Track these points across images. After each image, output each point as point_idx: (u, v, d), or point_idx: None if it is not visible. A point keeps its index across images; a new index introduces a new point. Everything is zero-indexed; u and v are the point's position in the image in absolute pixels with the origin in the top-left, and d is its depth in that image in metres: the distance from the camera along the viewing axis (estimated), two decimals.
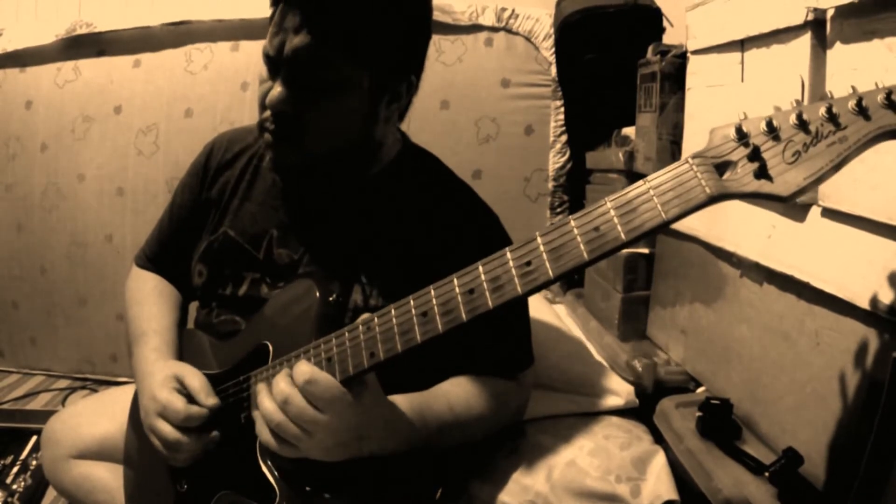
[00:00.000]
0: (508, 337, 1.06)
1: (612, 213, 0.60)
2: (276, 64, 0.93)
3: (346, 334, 0.78)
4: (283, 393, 0.78)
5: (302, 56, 0.90)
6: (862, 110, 0.55)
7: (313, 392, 0.77)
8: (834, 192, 0.91)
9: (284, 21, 0.90)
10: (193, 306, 1.21)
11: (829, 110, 0.56)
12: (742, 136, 0.58)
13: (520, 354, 1.08)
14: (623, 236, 0.59)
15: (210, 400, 0.94)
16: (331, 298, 0.92)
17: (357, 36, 0.90)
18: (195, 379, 0.96)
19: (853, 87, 0.57)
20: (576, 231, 0.61)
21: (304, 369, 0.78)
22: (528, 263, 0.64)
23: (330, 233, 1.05)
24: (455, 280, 0.68)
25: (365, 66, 0.93)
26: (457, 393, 0.99)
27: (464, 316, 0.67)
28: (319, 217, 1.07)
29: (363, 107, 0.97)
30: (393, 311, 0.73)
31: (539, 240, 0.64)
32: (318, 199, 1.08)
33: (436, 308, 0.69)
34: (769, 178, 0.57)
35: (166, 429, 0.93)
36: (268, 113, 0.95)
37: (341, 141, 0.99)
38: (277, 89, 0.93)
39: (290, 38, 0.90)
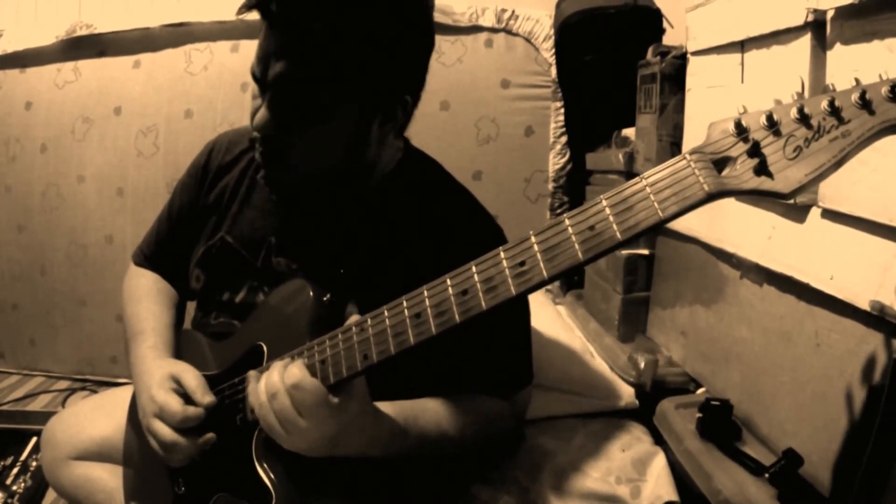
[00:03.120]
0: (507, 354, 1.03)
1: (608, 211, 0.59)
2: (261, 86, 0.92)
3: (340, 336, 0.78)
4: (274, 387, 0.78)
5: (285, 83, 0.87)
6: (866, 104, 0.53)
7: (297, 397, 0.77)
8: (834, 193, 0.91)
9: (268, 44, 0.87)
10: (191, 305, 1.21)
11: (831, 104, 0.54)
12: (741, 131, 0.57)
13: (517, 374, 1.05)
14: (619, 235, 0.58)
15: (206, 398, 0.93)
16: (324, 299, 0.91)
17: (342, 63, 0.86)
18: (192, 377, 0.96)
19: (856, 80, 0.55)
20: (570, 230, 0.60)
21: (295, 372, 0.77)
22: (522, 263, 0.63)
23: (328, 242, 1.04)
24: (448, 281, 0.68)
25: (352, 94, 0.90)
26: (447, 409, 0.96)
27: (457, 317, 0.66)
28: (317, 226, 1.06)
29: (351, 132, 0.94)
30: (386, 313, 0.73)
31: (533, 239, 0.63)
32: (315, 209, 1.07)
33: (429, 309, 0.68)
34: (769, 175, 0.55)
35: (163, 430, 0.93)
36: (257, 133, 0.94)
37: (331, 164, 0.97)
38: (263, 113, 0.91)
39: (273, 63, 0.87)
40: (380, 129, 0.97)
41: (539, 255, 0.62)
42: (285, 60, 0.86)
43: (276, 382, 0.78)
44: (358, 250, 1.01)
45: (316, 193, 1.03)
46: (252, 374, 0.87)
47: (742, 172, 0.56)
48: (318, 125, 0.91)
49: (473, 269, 0.66)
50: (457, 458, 1.08)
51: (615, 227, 0.58)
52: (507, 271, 0.63)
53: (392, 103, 0.95)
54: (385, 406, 0.89)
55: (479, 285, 0.65)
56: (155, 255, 1.25)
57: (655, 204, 0.57)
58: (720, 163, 0.57)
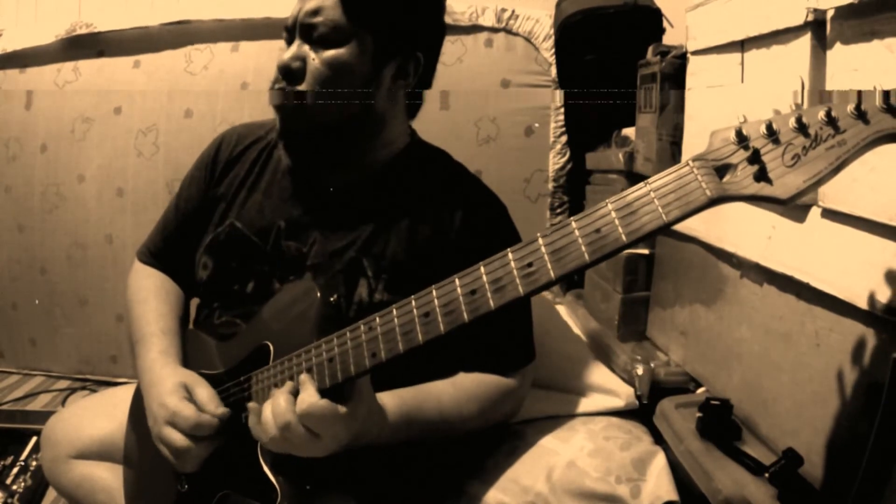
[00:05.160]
0: (510, 333, 1.06)
1: (613, 214, 0.61)
2: (291, 31, 1.02)
3: (348, 334, 0.78)
4: (284, 418, 0.79)
5: (311, 15, 0.98)
6: (861, 114, 0.56)
7: (312, 422, 0.78)
8: (834, 192, 0.91)
9: None
10: (194, 305, 1.21)
11: (828, 114, 0.56)
12: (742, 139, 0.59)
13: (521, 351, 1.08)
14: (624, 238, 0.60)
15: (219, 410, 0.93)
16: (332, 299, 0.92)
17: None
18: (203, 389, 0.96)
19: (854, 91, 0.57)
20: (577, 232, 0.62)
21: (305, 398, 0.78)
22: (530, 265, 0.64)
23: (337, 225, 1.05)
24: (457, 280, 0.69)
25: (367, 27, 0.98)
26: (450, 394, 0.99)
27: (465, 317, 0.67)
28: (327, 209, 1.07)
29: (365, 68, 1.00)
30: (395, 312, 0.74)
31: (540, 241, 0.64)
32: (325, 188, 1.08)
33: (437, 309, 0.69)
34: (769, 181, 0.57)
35: (176, 436, 0.92)
36: (278, 75, 1.01)
37: (343, 106, 1.00)
38: (288, 50, 1.00)
39: (305, 3, 0.99)
40: (392, 83, 1.03)
41: (546, 257, 0.63)
42: None
43: (287, 413, 0.79)
44: (368, 233, 1.03)
45: (328, 151, 1.05)
46: (252, 406, 0.86)
47: (742, 179, 0.58)
48: (337, 51, 0.98)
49: (482, 269, 0.68)
50: (449, 451, 1.10)
51: (620, 230, 0.60)
52: (515, 272, 0.65)
53: (405, 54, 1.02)
54: (388, 397, 0.91)
55: (487, 285, 0.67)
56: (161, 251, 1.25)
57: (659, 208, 0.59)
58: (722, 169, 0.59)
